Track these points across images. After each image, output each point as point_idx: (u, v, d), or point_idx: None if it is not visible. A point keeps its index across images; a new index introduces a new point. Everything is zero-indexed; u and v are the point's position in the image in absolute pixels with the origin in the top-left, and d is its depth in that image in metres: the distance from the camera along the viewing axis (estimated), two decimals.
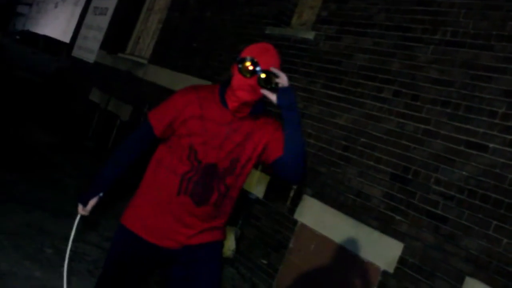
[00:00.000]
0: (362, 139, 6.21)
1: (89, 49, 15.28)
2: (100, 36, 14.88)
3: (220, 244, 3.33)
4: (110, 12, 14.78)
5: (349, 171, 6.21)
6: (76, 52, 16.31)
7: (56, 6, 24.28)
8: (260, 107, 3.20)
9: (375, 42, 6.52)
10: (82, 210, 3.34)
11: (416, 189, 5.50)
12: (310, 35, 7.45)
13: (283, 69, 3.02)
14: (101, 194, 3.34)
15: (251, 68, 3.00)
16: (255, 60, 3.00)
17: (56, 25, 23.37)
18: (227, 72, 6.48)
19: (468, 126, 5.27)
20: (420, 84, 5.83)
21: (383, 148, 5.95)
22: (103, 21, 14.92)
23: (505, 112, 5.04)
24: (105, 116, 12.63)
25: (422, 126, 5.65)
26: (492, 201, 4.88)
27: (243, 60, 3.03)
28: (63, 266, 5.40)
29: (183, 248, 3.18)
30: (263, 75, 3.00)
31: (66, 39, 17.44)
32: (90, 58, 14.97)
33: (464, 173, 5.16)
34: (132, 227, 3.21)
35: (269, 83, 3.00)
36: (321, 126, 6.75)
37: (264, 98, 3.09)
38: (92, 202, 3.33)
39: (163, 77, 10.75)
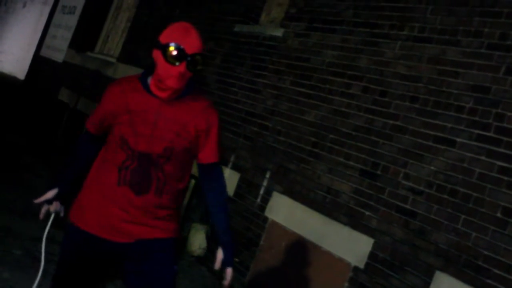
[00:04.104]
0: (331, 136, 6.22)
1: (58, 48, 15.13)
2: (68, 35, 14.75)
3: (173, 241, 3.24)
4: (78, 11, 14.65)
5: (319, 167, 6.22)
6: (45, 52, 16.16)
7: (24, 6, 24.03)
8: (190, 88, 3.15)
9: (343, 38, 6.53)
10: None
11: (385, 184, 5.52)
12: (279, 32, 7.44)
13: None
14: (57, 190, 3.40)
15: (175, 53, 2.93)
16: (180, 46, 2.94)
17: (25, 24, 23.14)
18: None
19: (436, 121, 5.30)
20: (388, 80, 5.85)
21: (352, 144, 5.97)
22: (72, 20, 14.80)
23: (472, 107, 5.07)
24: (74, 116, 12.53)
25: (391, 121, 5.68)
26: (461, 195, 4.92)
27: (166, 47, 2.95)
28: (32, 267, 5.41)
29: (134, 242, 3.11)
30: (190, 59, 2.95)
31: (35, 38, 17.33)
32: (59, 57, 14.83)
33: (432, 168, 5.19)
34: (81, 224, 3.17)
35: (196, 65, 2.98)
36: (290, 123, 6.75)
37: (193, 77, 3.08)
38: (50, 194, 3.47)
39: None
